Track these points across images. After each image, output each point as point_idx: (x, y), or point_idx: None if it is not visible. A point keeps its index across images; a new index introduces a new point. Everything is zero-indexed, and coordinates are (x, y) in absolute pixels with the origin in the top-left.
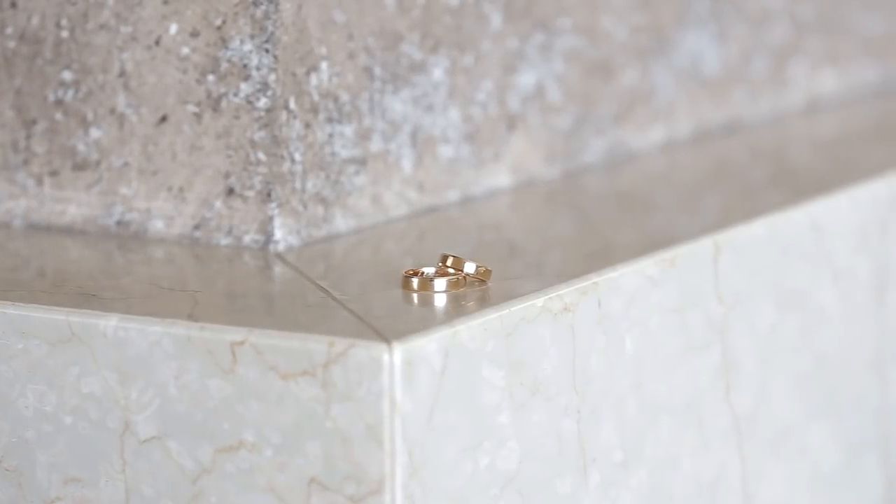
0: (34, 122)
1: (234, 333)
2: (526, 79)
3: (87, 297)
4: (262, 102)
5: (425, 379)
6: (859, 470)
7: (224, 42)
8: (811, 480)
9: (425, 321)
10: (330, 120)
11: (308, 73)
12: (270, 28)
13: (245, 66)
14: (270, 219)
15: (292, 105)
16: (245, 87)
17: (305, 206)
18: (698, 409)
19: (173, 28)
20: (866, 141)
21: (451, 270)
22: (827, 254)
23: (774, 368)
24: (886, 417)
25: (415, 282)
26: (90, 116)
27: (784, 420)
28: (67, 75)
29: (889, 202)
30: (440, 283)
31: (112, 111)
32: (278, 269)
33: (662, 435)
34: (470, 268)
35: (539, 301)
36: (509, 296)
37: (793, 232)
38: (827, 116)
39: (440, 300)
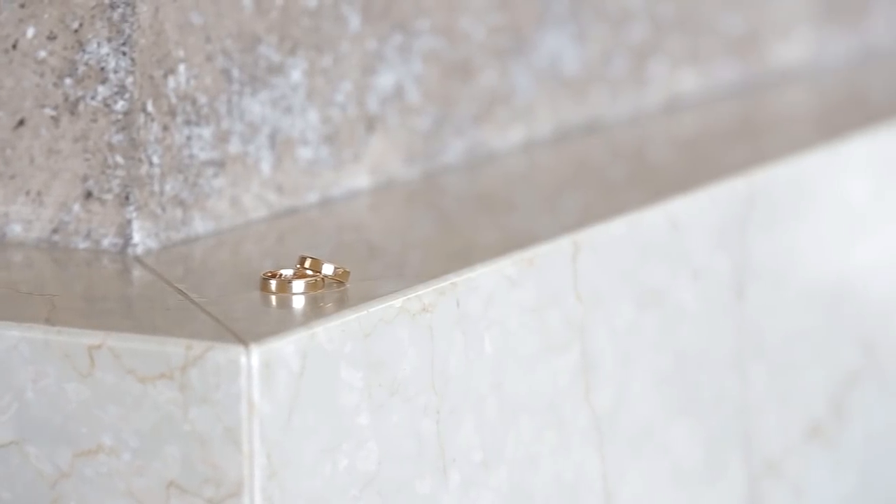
0: None
1: (92, 337)
2: (385, 80)
3: None
4: (120, 105)
5: (283, 381)
6: (721, 467)
7: (81, 45)
8: (672, 478)
9: (283, 323)
10: (188, 122)
11: (166, 76)
12: (127, 31)
13: (102, 69)
14: (129, 222)
15: (150, 108)
16: (102, 90)
17: (164, 209)
18: (558, 408)
19: (30, 31)
20: (726, 140)
21: (309, 272)
22: (686, 252)
23: (634, 367)
24: (747, 414)
25: (273, 284)
26: None
27: (644, 418)
28: None
29: (748, 200)
30: (298, 285)
31: None
32: (137, 272)
33: (522, 434)
34: (328, 269)
35: (397, 302)
36: (368, 297)
37: (652, 231)
38: (687, 115)
39: (298, 302)
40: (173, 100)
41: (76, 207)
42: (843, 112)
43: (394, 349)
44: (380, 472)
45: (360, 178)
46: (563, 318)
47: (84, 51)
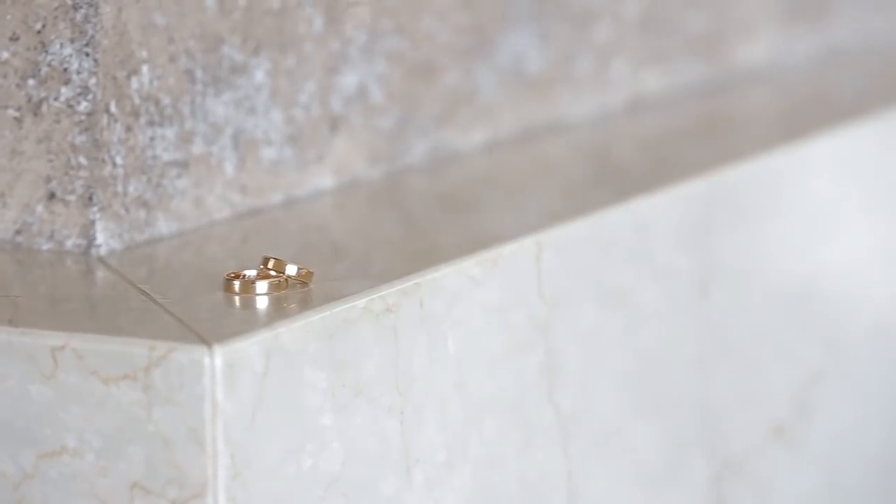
0: None
1: (55, 338)
2: (348, 80)
3: None
4: (83, 106)
5: (247, 381)
6: (684, 467)
7: (44, 46)
8: (636, 478)
9: (246, 324)
10: (151, 123)
11: (129, 77)
12: (90, 32)
13: (65, 70)
14: (92, 223)
15: (113, 109)
16: (66, 91)
17: (127, 210)
18: (522, 408)
19: None
20: (689, 139)
21: (272, 273)
22: (649, 252)
23: (598, 367)
24: (710, 414)
25: (236, 284)
26: None
27: (608, 418)
28: None
29: (711, 200)
30: (262, 286)
31: None
32: (100, 273)
33: (486, 435)
34: (291, 270)
35: (361, 302)
36: (331, 297)
37: (615, 230)
38: (650, 115)
39: (262, 303)
40: (136, 100)
41: (39, 208)
42: (807, 112)
43: (357, 350)
44: (344, 472)
45: (323, 179)
46: (527, 318)
47: (47, 52)
